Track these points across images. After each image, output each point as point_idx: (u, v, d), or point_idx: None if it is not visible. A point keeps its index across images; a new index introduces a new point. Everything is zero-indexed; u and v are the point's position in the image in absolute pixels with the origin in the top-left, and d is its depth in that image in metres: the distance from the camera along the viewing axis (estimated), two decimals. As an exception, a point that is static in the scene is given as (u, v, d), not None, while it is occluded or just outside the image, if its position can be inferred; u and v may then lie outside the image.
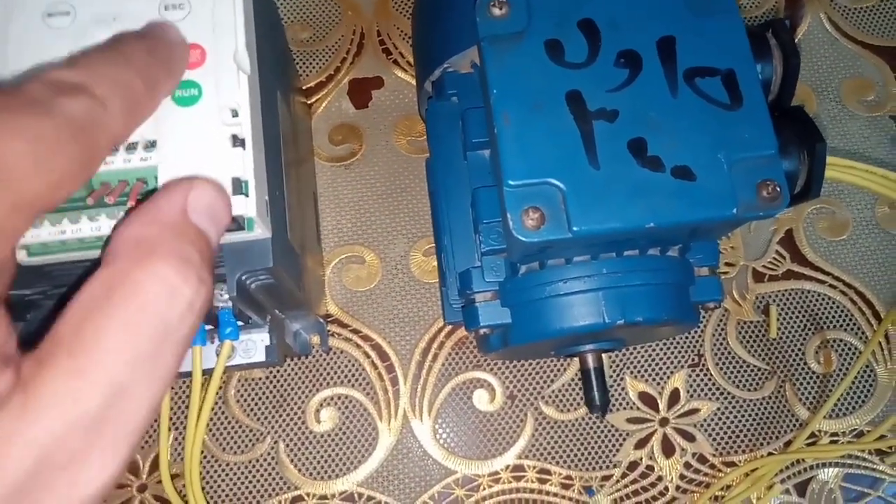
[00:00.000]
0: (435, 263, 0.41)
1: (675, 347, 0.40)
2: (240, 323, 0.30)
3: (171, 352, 0.17)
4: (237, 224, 0.23)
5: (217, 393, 0.37)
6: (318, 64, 0.44)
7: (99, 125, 0.17)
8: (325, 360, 0.39)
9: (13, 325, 0.16)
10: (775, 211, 0.22)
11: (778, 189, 0.22)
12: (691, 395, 0.39)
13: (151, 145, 0.23)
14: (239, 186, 0.23)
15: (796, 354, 0.40)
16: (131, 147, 0.23)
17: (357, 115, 0.43)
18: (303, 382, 0.39)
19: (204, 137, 0.23)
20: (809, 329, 0.40)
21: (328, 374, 0.39)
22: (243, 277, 0.25)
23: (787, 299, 0.41)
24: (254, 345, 0.32)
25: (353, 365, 0.39)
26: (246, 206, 0.23)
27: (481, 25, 0.24)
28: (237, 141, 0.23)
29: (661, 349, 0.40)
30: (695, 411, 0.39)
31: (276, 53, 0.31)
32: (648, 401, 0.39)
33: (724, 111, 0.23)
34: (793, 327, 0.40)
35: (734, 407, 0.39)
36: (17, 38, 0.24)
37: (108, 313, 0.16)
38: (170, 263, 0.17)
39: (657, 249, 0.28)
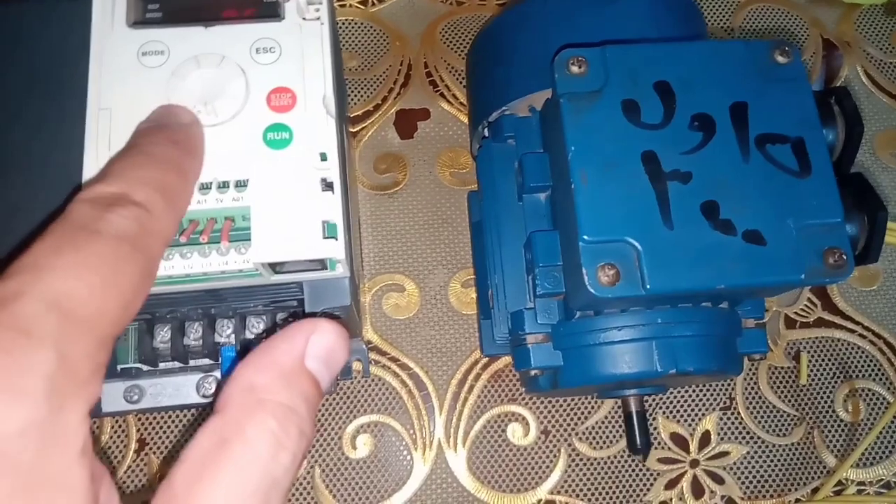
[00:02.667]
0: (473, 295, 0.41)
1: (708, 390, 0.40)
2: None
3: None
4: (321, 265, 0.24)
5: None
6: (365, 93, 0.45)
7: (149, 231, 0.18)
8: (363, 386, 0.40)
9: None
10: (840, 278, 0.23)
11: (844, 257, 0.23)
12: (722, 438, 0.40)
13: (242, 185, 0.23)
14: (328, 230, 0.23)
15: (825, 402, 0.41)
16: (223, 186, 0.23)
17: (402, 144, 0.44)
18: (341, 408, 0.39)
19: (295, 180, 0.24)
20: (839, 377, 0.41)
21: (366, 400, 0.40)
22: (318, 313, 0.26)
23: (818, 347, 0.41)
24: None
25: (391, 393, 0.40)
26: (335, 250, 0.23)
27: (559, 82, 0.25)
28: (326, 185, 0.24)
29: (694, 392, 0.40)
30: (725, 454, 0.40)
31: (341, 86, 0.32)
32: (680, 442, 0.40)
33: (794, 178, 0.24)
34: (822, 375, 0.41)
35: (763, 451, 0.40)
36: (112, 75, 0.24)
37: (220, 468, 0.16)
38: (277, 417, 0.17)
39: (709, 301, 0.29)
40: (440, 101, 0.45)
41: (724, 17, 0.48)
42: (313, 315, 0.26)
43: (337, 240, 0.23)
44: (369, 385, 0.40)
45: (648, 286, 0.22)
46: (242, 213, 0.23)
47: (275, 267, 0.24)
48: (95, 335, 0.16)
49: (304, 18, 0.26)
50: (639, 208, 0.23)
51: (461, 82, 0.45)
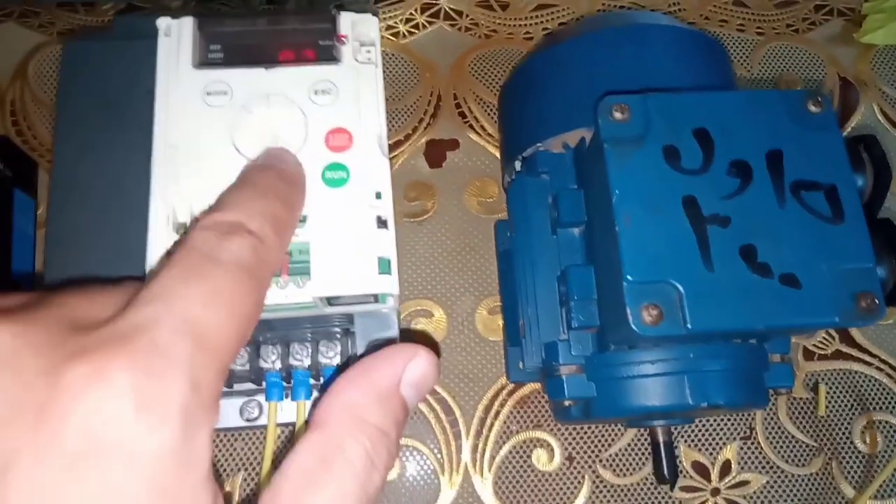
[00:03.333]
0: (499, 322, 0.42)
1: (729, 420, 0.41)
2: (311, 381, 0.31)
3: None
4: (374, 298, 0.25)
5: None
6: (396, 123, 0.46)
7: (263, 259, 0.19)
8: (392, 410, 0.41)
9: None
10: (872, 321, 0.24)
11: (876, 301, 0.24)
12: (742, 468, 0.41)
13: (301, 220, 0.25)
14: (382, 265, 0.24)
15: (843, 433, 0.41)
16: (282, 221, 0.24)
17: (431, 173, 0.45)
18: (370, 431, 0.40)
19: (352, 218, 0.25)
20: (856, 409, 0.42)
21: (395, 424, 0.40)
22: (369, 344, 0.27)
23: (836, 379, 0.42)
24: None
25: (419, 417, 0.41)
26: (389, 285, 0.24)
27: (603, 128, 0.26)
28: (381, 222, 0.25)
29: (716, 421, 0.41)
30: (745, 483, 0.40)
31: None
32: (701, 470, 0.40)
33: (827, 224, 0.25)
34: (840, 406, 0.42)
35: (783, 481, 0.41)
36: (178, 114, 0.25)
37: (324, 483, 0.17)
38: (371, 438, 0.18)
39: (740, 338, 0.30)
40: (469, 131, 0.46)
41: (743, 55, 0.49)
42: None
43: (391, 275, 0.24)
44: (398, 409, 0.41)
45: (690, 326, 0.24)
46: (300, 248, 0.24)
47: (331, 300, 0.25)
48: (220, 363, 0.17)
49: (357, 60, 0.27)
50: (680, 251, 0.24)
51: (489, 114, 0.46)
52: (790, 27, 0.50)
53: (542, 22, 0.49)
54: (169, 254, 0.20)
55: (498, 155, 0.45)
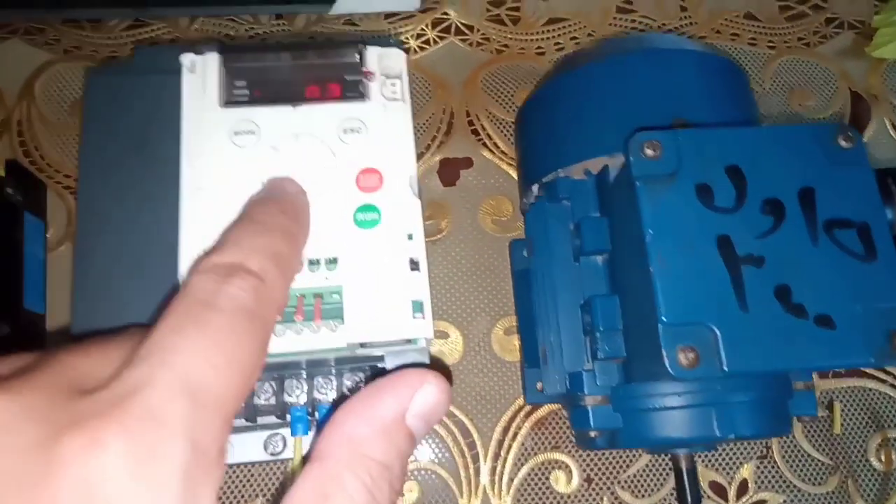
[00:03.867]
0: (516, 342, 0.42)
1: (746, 440, 0.41)
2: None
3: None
4: (408, 341, 0.25)
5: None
6: (409, 141, 0.45)
7: (265, 300, 0.19)
8: (410, 433, 0.40)
9: None
10: (907, 360, 0.24)
11: (911, 340, 0.24)
12: (759, 487, 0.41)
13: (332, 262, 0.24)
14: (417, 308, 0.24)
15: (858, 451, 0.42)
16: (314, 263, 0.24)
17: (445, 192, 0.45)
18: (388, 455, 0.40)
19: (384, 260, 0.24)
20: (871, 427, 0.42)
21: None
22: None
23: (851, 396, 0.43)
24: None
25: (437, 439, 0.40)
26: (424, 330, 0.24)
27: (635, 165, 0.26)
28: (413, 264, 0.24)
29: (733, 441, 0.41)
30: (762, 502, 0.41)
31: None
32: (718, 490, 0.41)
33: (860, 262, 0.25)
34: (855, 424, 0.42)
35: (799, 500, 0.41)
36: (206, 154, 0.25)
37: None
38: (372, 473, 0.18)
39: (768, 369, 0.30)
40: (482, 149, 0.45)
41: (755, 69, 0.49)
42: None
43: (424, 318, 0.24)
44: (416, 432, 0.40)
45: (727, 368, 0.23)
46: (333, 291, 0.24)
47: (364, 344, 0.24)
48: (222, 416, 0.16)
49: (385, 97, 0.26)
50: (715, 291, 0.24)
51: (502, 131, 0.46)
52: (801, 41, 0.50)
53: (553, 37, 0.49)
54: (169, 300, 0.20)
55: (512, 173, 0.45)
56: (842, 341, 0.24)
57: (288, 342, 0.23)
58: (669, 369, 0.24)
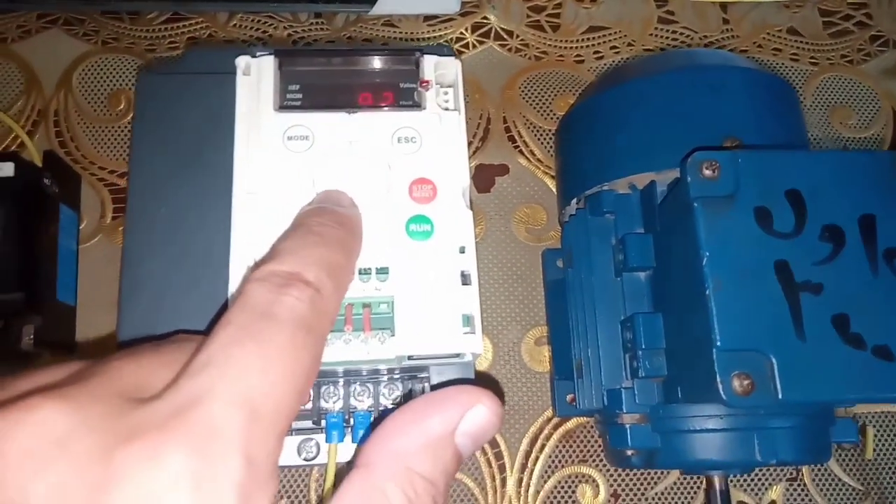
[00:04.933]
0: (546, 353, 0.42)
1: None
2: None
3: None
4: (456, 354, 0.24)
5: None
6: (445, 145, 0.45)
7: (321, 312, 0.19)
8: (437, 441, 0.40)
9: None
10: (965, 394, 0.24)
11: (970, 374, 0.24)
12: (788, 510, 0.40)
13: (383, 272, 0.24)
14: (466, 322, 0.24)
15: (890, 477, 0.41)
16: (365, 272, 0.24)
17: (479, 198, 0.44)
18: (415, 462, 0.40)
19: (436, 273, 0.24)
20: (904, 454, 0.41)
21: (440, 455, 0.40)
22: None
23: (883, 422, 0.42)
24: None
25: (464, 448, 0.40)
26: (474, 345, 0.24)
27: (693, 185, 0.25)
28: (465, 277, 0.24)
29: (763, 462, 0.41)
30: (791, 526, 0.40)
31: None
32: (747, 511, 0.40)
33: (920, 294, 0.24)
34: (888, 450, 0.41)
35: (829, 525, 0.40)
36: (260, 158, 0.25)
37: None
38: (417, 487, 0.17)
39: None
40: (518, 156, 0.45)
41: (797, 84, 0.48)
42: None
43: (474, 333, 0.24)
44: (443, 440, 0.40)
45: (781, 397, 0.23)
46: (384, 301, 0.24)
47: (412, 356, 0.24)
48: (277, 431, 0.16)
49: (440, 106, 0.26)
50: (772, 319, 0.24)
51: (539, 139, 0.45)
52: (844, 58, 0.49)
53: (593, 45, 0.48)
54: (220, 308, 0.19)
55: (548, 182, 0.44)
56: (899, 374, 0.24)
57: (337, 352, 0.23)
58: (723, 396, 0.23)
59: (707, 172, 0.25)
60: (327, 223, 0.22)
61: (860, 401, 0.24)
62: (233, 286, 0.23)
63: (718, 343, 0.24)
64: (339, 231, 0.22)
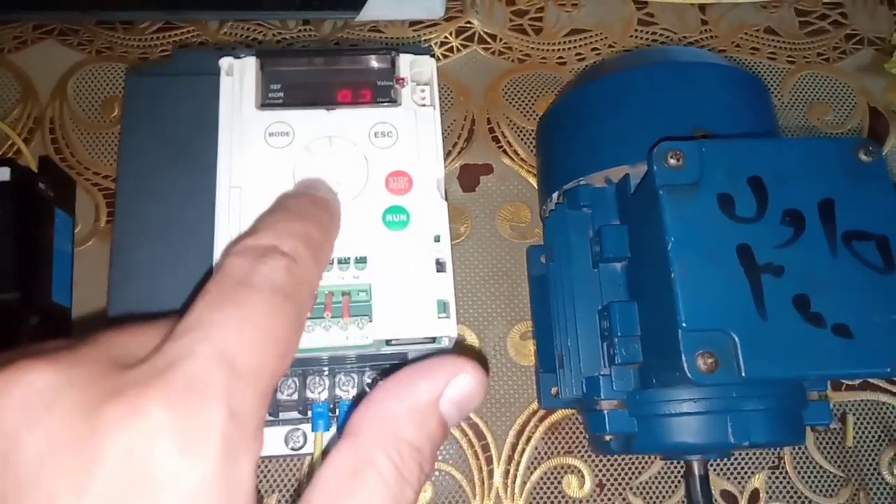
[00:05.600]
0: (531, 347, 0.43)
1: (758, 450, 0.42)
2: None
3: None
4: (432, 340, 0.25)
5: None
6: (431, 146, 0.46)
7: (298, 280, 0.19)
8: (425, 434, 0.41)
9: None
10: (924, 371, 0.25)
11: (928, 352, 0.25)
12: (770, 497, 0.41)
13: (361, 261, 0.25)
14: (442, 308, 0.25)
15: (871, 465, 0.42)
16: (343, 262, 0.25)
17: (464, 197, 0.45)
18: (403, 455, 0.41)
19: (412, 261, 0.25)
20: (883, 440, 0.42)
21: (428, 448, 0.41)
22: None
23: (864, 410, 0.43)
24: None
25: (451, 441, 0.41)
26: (448, 329, 0.25)
27: (658, 174, 0.26)
28: (439, 265, 0.25)
29: (745, 450, 0.42)
30: (773, 513, 0.41)
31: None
32: (729, 499, 0.41)
33: (879, 274, 0.25)
34: (868, 438, 0.42)
35: (811, 512, 0.41)
36: (242, 154, 0.26)
37: (353, 497, 0.17)
38: (403, 453, 0.18)
39: (783, 378, 0.30)
40: (502, 156, 0.46)
41: (774, 83, 0.49)
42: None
43: (449, 318, 0.25)
44: (431, 433, 0.41)
45: (745, 374, 0.24)
46: (361, 289, 0.25)
47: (389, 342, 0.25)
48: (259, 388, 0.17)
49: (415, 102, 0.27)
50: (735, 299, 0.25)
51: (523, 139, 0.46)
52: (821, 56, 0.50)
53: (575, 47, 0.49)
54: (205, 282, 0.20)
55: (531, 180, 0.45)
56: (859, 351, 0.25)
57: (317, 338, 0.24)
58: (689, 374, 0.24)
59: (672, 161, 0.26)
60: (304, 203, 0.23)
61: (821, 377, 0.24)
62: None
63: (683, 324, 0.25)
64: (314, 208, 0.23)
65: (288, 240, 0.20)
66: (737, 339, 0.24)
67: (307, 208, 0.23)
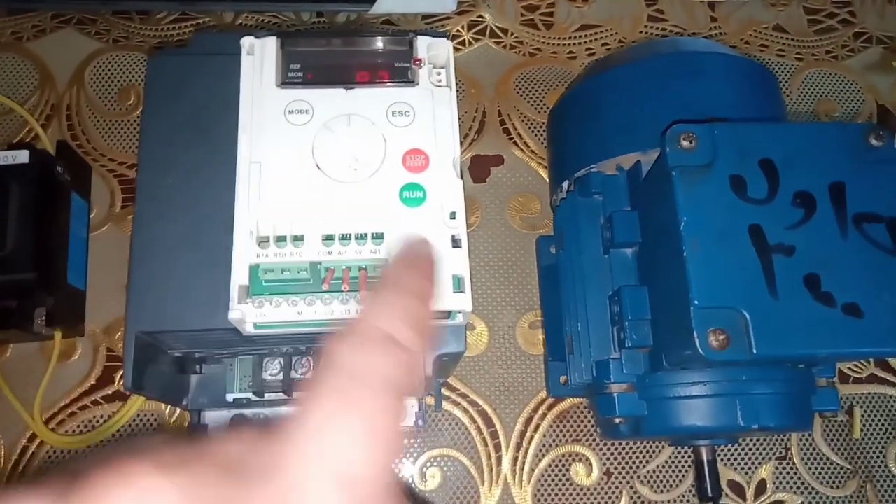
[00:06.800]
0: (540, 336, 0.43)
1: (765, 440, 0.42)
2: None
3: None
4: (447, 314, 0.26)
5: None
6: (442, 137, 0.47)
7: (411, 373, 0.18)
8: (435, 420, 0.41)
9: None
10: (932, 351, 0.25)
11: (937, 331, 0.25)
12: (777, 487, 0.41)
13: (378, 237, 0.25)
14: (457, 283, 0.25)
15: (877, 457, 0.42)
16: (361, 238, 0.25)
17: (475, 188, 0.46)
18: (414, 440, 0.41)
19: (428, 237, 0.25)
20: (891, 433, 0.42)
21: (437, 434, 0.41)
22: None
23: (871, 402, 0.43)
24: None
25: (460, 428, 0.41)
26: (464, 303, 0.25)
27: (671, 155, 0.27)
28: (455, 241, 0.26)
29: (752, 440, 0.42)
30: (780, 503, 0.41)
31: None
32: (736, 489, 0.41)
33: (889, 256, 0.26)
34: (875, 430, 0.42)
35: (817, 502, 0.41)
36: (262, 130, 0.26)
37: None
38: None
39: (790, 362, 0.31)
40: (513, 148, 0.47)
41: (782, 80, 0.50)
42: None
43: (464, 293, 0.25)
44: (441, 420, 0.41)
45: (756, 351, 0.24)
46: (378, 265, 0.25)
47: (405, 316, 0.25)
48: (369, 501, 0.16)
49: (432, 83, 0.28)
50: (746, 278, 0.25)
51: (533, 131, 0.47)
52: (829, 54, 0.51)
53: (585, 42, 0.50)
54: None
55: (541, 172, 0.46)
56: (868, 330, 0.25)
57: (336, 311, 0.24)
58: (700, 350, 0.24)
59: (685, 143, 0.27)
60: (415, 278, 0.21)
61: (830, 355, 0.25)
62: (237, 246, 0.24)
63: (695, 301, 0.25)
64: (424, 283, 0.21)
65: (404, 329, 0.19)
66: (748, 316, 0.25)
67: (416, 283, 0.21)
